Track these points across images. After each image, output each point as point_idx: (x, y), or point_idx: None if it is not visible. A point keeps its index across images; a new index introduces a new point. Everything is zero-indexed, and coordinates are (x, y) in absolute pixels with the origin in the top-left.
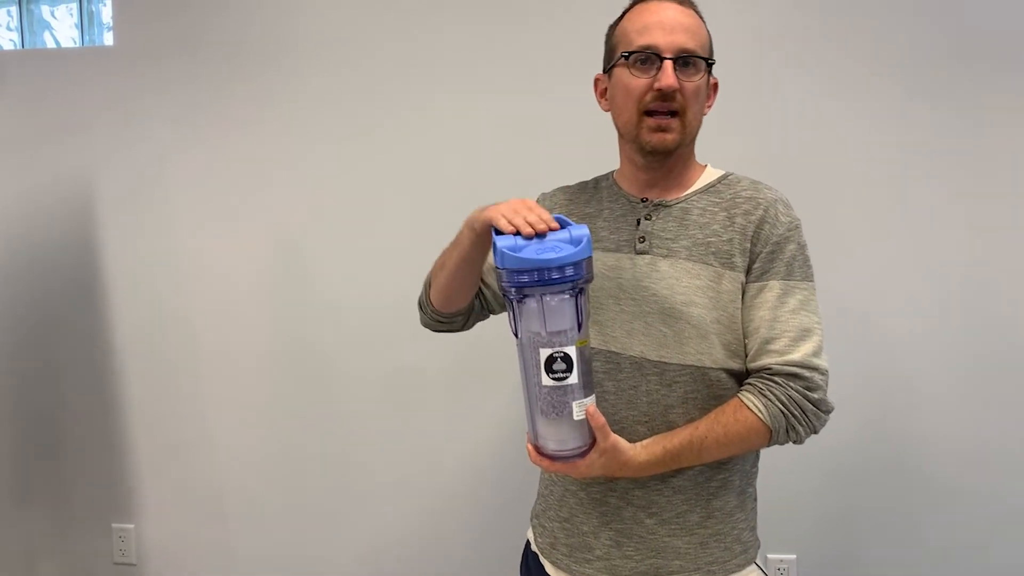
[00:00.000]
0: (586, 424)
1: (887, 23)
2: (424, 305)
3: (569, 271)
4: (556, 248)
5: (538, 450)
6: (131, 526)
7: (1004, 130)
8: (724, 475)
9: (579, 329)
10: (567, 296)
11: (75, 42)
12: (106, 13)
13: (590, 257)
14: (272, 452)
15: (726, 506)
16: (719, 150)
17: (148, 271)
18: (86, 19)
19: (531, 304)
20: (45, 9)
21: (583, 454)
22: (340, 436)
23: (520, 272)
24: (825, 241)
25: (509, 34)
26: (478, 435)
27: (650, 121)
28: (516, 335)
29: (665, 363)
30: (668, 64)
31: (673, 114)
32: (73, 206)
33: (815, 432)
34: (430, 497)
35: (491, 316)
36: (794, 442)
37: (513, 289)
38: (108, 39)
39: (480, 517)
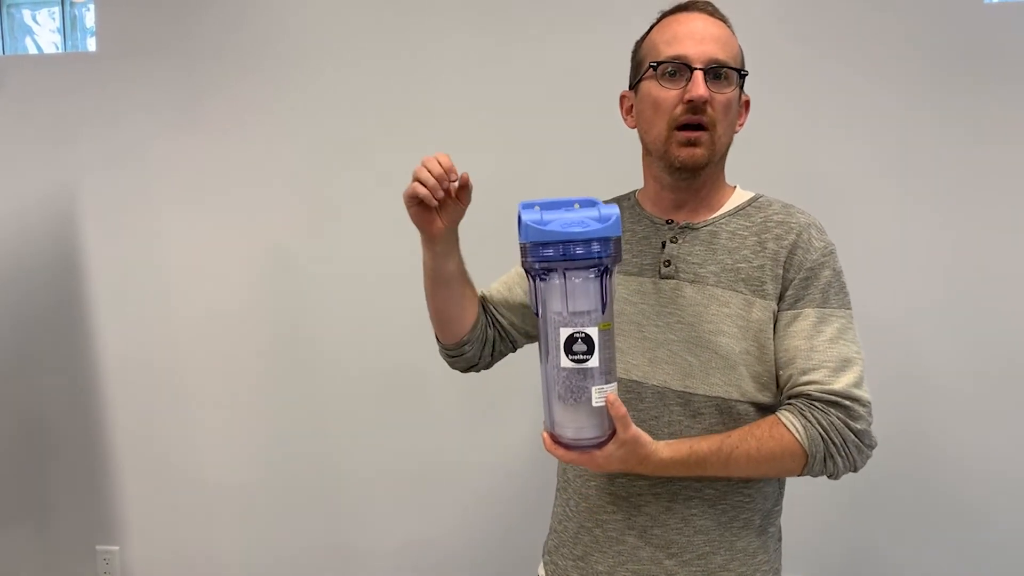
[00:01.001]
0: (605, 412)
1: (887, 28)
2: (439, 347)
3: (595, 247)
4: (583, 223)
5: (554, 438)
6: (116, 548)
7: (1011, 130)
8: (746, 515)
9: (603, 311)
10: (592, 275)
11: (57, 47)
12: (89, 18)
13: (619, 237)
14: (263, 471)
15: (748, 547)
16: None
17: (134, 282)
18: (68, 24)
19: (554, 281)
20: (27, 13)
21: (601, 444)
22: (333, 457)
23: (544, 245)
24: (841, 246)
25: (513, 38)
26: (483, 453)
27: (680, 135)
28: (536, 314)
29: (690, 394)
30: (698, 74)
31: (703, 128)
32: (56, 216)
33: (855, 469)
34: (431, 526)
35: (517, 350)
36: (830, 476)
37: (536, 263)
38: (91, 44)
39: (487, 550)
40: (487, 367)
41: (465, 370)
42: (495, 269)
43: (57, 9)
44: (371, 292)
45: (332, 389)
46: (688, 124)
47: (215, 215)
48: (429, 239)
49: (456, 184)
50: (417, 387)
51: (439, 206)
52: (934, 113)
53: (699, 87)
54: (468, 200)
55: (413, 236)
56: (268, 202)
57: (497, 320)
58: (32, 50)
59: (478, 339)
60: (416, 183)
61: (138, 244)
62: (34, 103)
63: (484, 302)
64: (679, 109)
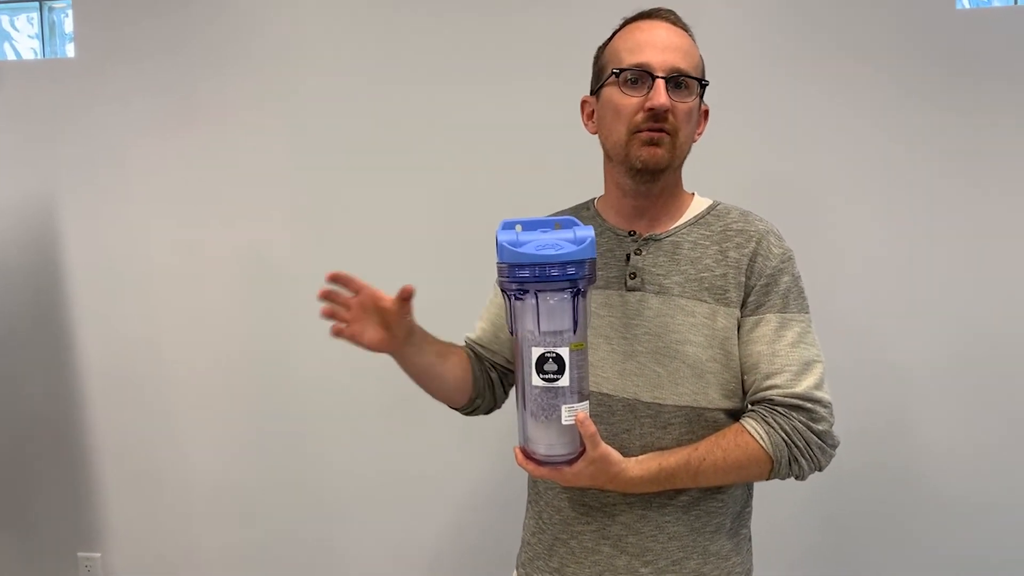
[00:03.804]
0: (576, 430)
1: (859, 35)
2: (454, 410)
3: (570, 270)
4: (557, 246)
5: (525, 453)
6: (98, 555)
7: (999, 132)
8: (718, 519)
9: (575, 331)
10: (565, 296)
11: (36, 53)
12: (68, 24)
13: (593, 259)
14: (246, 477)
15: (721, 550)
16: (713, 154)
17: (113, 288)
18: (47, 30)
19: (528, 301)
20: (4, 19)
21: (571, 461)
22: (316, 463)
23: (519, 267)
24: (818, 246)
25: (489, 39)
26: (459, 464)
27: (642, 135)
28: (511, 332)
29: (660, 404)
30: (660, 83)
31: (664, 131)
32: (35, 220)
33: (819, 469)
34: (410, 535)
35: None
36: (796, 477)
37: (511, 284)
38: (70, 50)
39: (459, 562)
40: (504, 400)
41: (489, 412)
42: (479, 282)
43: (36, 15)
44: None
45: (315, 395)
46: (649, 131)
47: (196, 218)
48: (399, 351)
49: (355, 293)
50: (399, 393)
51: (387, 324)
52: (905, 117)
53: (661, 96)
54: (407, 307)
55: (399, 237)
56: (250, 204)
57: (494, 363)
58: (11, 56)
59: (484, 387)
60: (342, 328)
61: (118, 248)
62: (13, 109)
63: (474, 347)
64: (640, 116)
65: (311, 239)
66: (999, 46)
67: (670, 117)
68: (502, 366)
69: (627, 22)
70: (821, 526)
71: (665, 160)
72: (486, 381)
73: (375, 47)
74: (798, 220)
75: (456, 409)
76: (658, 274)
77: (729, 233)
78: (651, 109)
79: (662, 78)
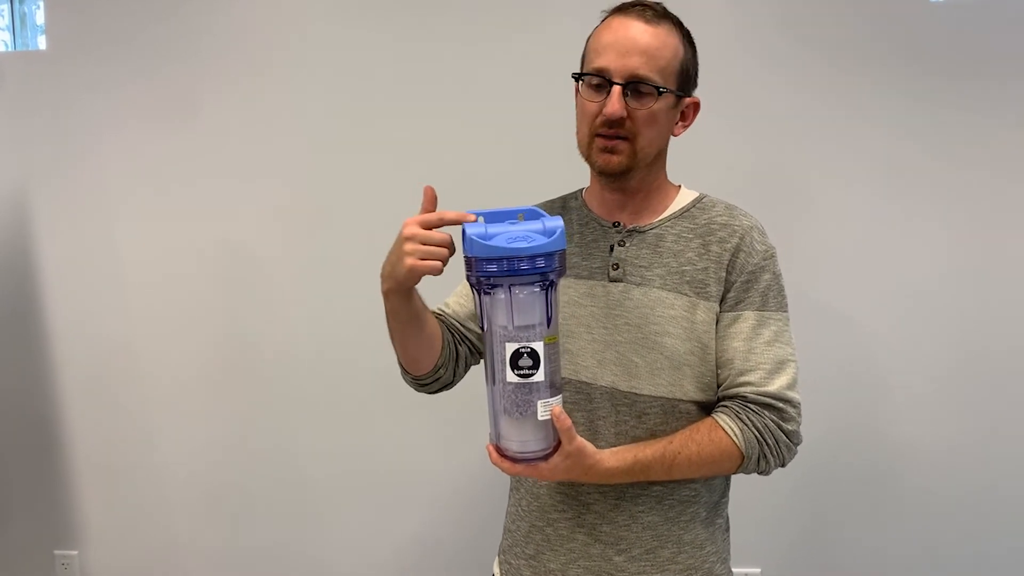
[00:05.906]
0: (551, 425)
1: (869, 24)
2: (404, 375)
3: (540, 262)
4: (527, 238)
5: (499, 451)
6: (75, 553)
7: (986, 130)
8: (693, 508)
9: (548, 324)
10: (537, 289)
11: (7, 46)
12: (39, 16)
13: (563, 250)
14: (224, 474)
15: (696, 539)
16: (703, 148)
17: (87, 284)
18: (18, 22)
19: (499, 295)
20: None
21: (546, 456)
22: (295, 460)
23: (488, 261)
24: (803, 241)
25: (470, 37)
26: (444, 456)
27: (599, 141)
28: (482, 328)
29: (636, 394)
30: (616, 90)
31: (622, 138)
32: (7, 216)
33: (783, 466)
34: (392, 527)
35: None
36: (761, 473)
37: (481, 278)
38: (41, 43)
39: (443, 551)
40: (454, 384)
41: (438, 391)
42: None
43: (6, 6)
44: (335, 290)
45: (295, 392)
46: (605, 135)
47: (170, 213)
48: (407, 288)
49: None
50: (384, 390)
51: None
52: (894, 113)
53: (612, 104)
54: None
55: (379, 232)
56: (225, 199)
57: (465, 336)
58: None
59: (449, 358)
60: (430, 262)
61: (92, 244)
62: None
63: (445, 319)
64: (598, 120)
65: (289, 234)
66: (979, 37)
67: (628, 123)
68: (471, 342)
69: (608, 15)
70: (801, 519)
71: (622, 166)
72: (452, 351)
73: (354, 37)
74: (786, 216)
75: (419, 377)
76: (640, 266)
77: (713, 227)
78: (606, 116)
79: (620, 84)
